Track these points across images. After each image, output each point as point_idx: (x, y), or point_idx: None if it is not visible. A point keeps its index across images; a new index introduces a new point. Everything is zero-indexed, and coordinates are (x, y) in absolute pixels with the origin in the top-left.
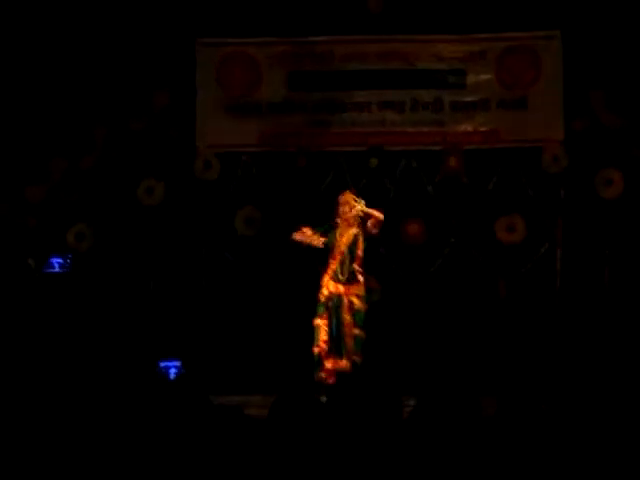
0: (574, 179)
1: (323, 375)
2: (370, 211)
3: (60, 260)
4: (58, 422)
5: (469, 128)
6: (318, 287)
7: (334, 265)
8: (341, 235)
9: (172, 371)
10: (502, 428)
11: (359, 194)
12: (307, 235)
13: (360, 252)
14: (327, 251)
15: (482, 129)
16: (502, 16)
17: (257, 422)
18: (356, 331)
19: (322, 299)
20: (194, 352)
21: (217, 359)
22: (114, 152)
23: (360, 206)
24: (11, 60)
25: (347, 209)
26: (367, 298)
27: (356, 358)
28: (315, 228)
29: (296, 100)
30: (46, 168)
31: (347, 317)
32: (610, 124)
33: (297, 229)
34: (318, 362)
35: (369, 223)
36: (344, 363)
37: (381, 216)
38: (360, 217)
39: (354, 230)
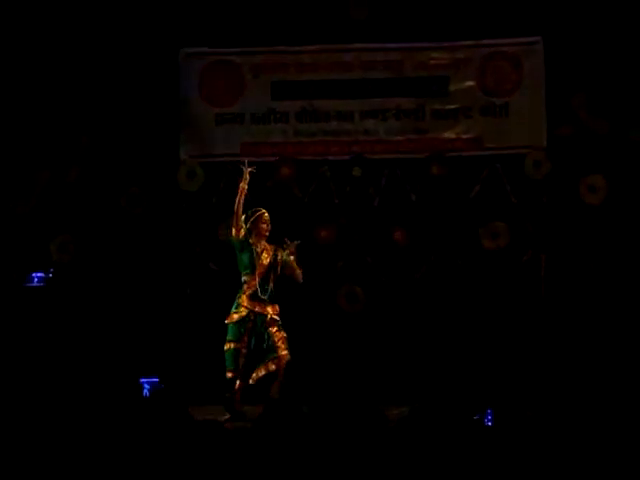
0: (557, 185)
1: (237, 397)
2: (295, 267)
3: (40, 274)
4: (36, 436)
5: (452, 135)
6: (300, 296)
7: (254, 282)
8: (261, 252)
9: (146, 387)
10: (493, 435)
11: (343, 203)
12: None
13: (279, 272)
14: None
15: (465, 136)
16: (484, 23)
17: (241, 435)
18: (284, 334)
19: (236, 319)
20: (178, 363)
21: (201, 370)
22: (97, 163)
23: (292, 257)
24: None
25: (267, 228)
26: None
27: (289, 356)
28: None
29: (279, 109)
30: (29, 179)
31: (273, 328)
32: (593, 129)
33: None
34: (231, 386)
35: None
36: (270, 367)
37: (300, 278)
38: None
39: (271, 247)
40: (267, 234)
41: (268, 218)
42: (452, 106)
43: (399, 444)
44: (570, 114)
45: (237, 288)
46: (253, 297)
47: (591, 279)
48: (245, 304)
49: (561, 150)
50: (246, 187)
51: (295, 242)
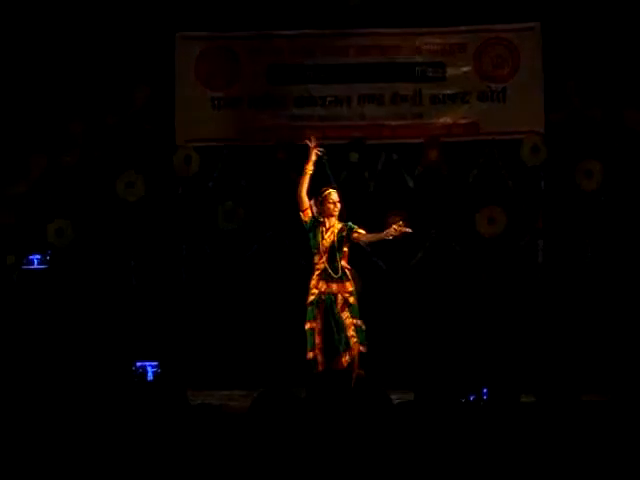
0: (554, 171)
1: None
2: (365, 236)
3: (39, 257)
4: (34, 420)
5: (449, 121)
6: (298, 280)
7: (322, 264)
8: (326, 231)
9: (150, 371)
10: (491, 416)
11: (340, 188)
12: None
13: (346, 248)
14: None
15: (462, 121)
16: (481, 9)
17: (237, 419)
18: (357, 321)
19: (310, 300)
20: (175, 348)
21: (198, 354)
22: (94, 147)
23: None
24: None
25: (333, 207)
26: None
27: (362, 348)
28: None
29: (276, 94)
30: (25, 164)
31: (345, 314)
32: (590, 115)
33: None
34: (313, 366)
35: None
36: (346, 359)
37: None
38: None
39: (338, 226)
40: (335, 213)
41: (336, 197)
42: (449, 91)
43: (402, 427)
44: (566, 100)
45: (234, 272)
46: (321, 277)
47: (588, 263)
48: (314, 285)
49: (558, 135)
50: (312, 169)
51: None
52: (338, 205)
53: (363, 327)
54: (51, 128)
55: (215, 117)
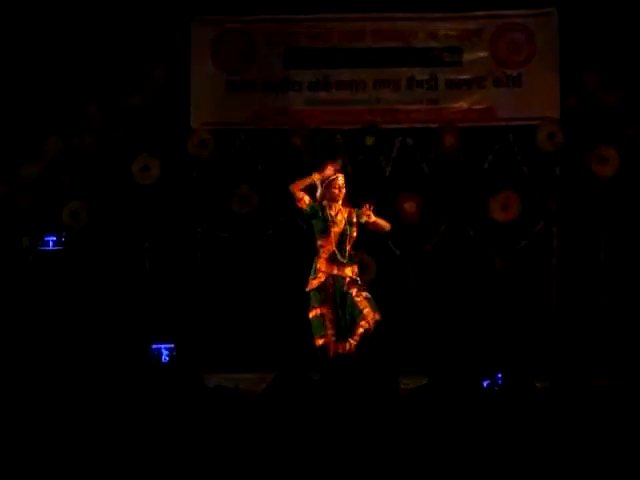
0: (569, 157)
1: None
2: (379, 221)
3: (54, 238)
4: (49, 402)
5: (464, 106)
6: (311, 264)
7: (330, 246)
8: (335, 215)
9: (165, 354)
10: (501, 403)
11: (355, 172)
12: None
13: (355, 233)
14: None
15: (477, 107)
16: None
17: (252, 401)
18: (366, 294)
19: (315, 285)
20: (189, 331)
21: (212, 338)
22: (109, 130)
23: (373, 217)
24: (6, 38)
25: (338, 193)
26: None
27: (377, 316)
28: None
29: (292, 78)
30: (41, 146)
31: (353, 290)
32: (605, 101)
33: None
34: (325, 352)
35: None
36: (352, 342)
37: (388, 226)
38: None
39: (345, 211)
40: (340, 199)
41: (341, 183)
42: (465, 76)
43: (412, 413)
44: (582, 86)
45: (248, 256)
46: (330, 260)
47: (602, 249)
48: (323, 268)
49: (573, 121)
50: (317, 182)
51: (366, 206)
52: (343, 191)
53: (370, 296)
54: (67, 110)
55: (230, 101)
